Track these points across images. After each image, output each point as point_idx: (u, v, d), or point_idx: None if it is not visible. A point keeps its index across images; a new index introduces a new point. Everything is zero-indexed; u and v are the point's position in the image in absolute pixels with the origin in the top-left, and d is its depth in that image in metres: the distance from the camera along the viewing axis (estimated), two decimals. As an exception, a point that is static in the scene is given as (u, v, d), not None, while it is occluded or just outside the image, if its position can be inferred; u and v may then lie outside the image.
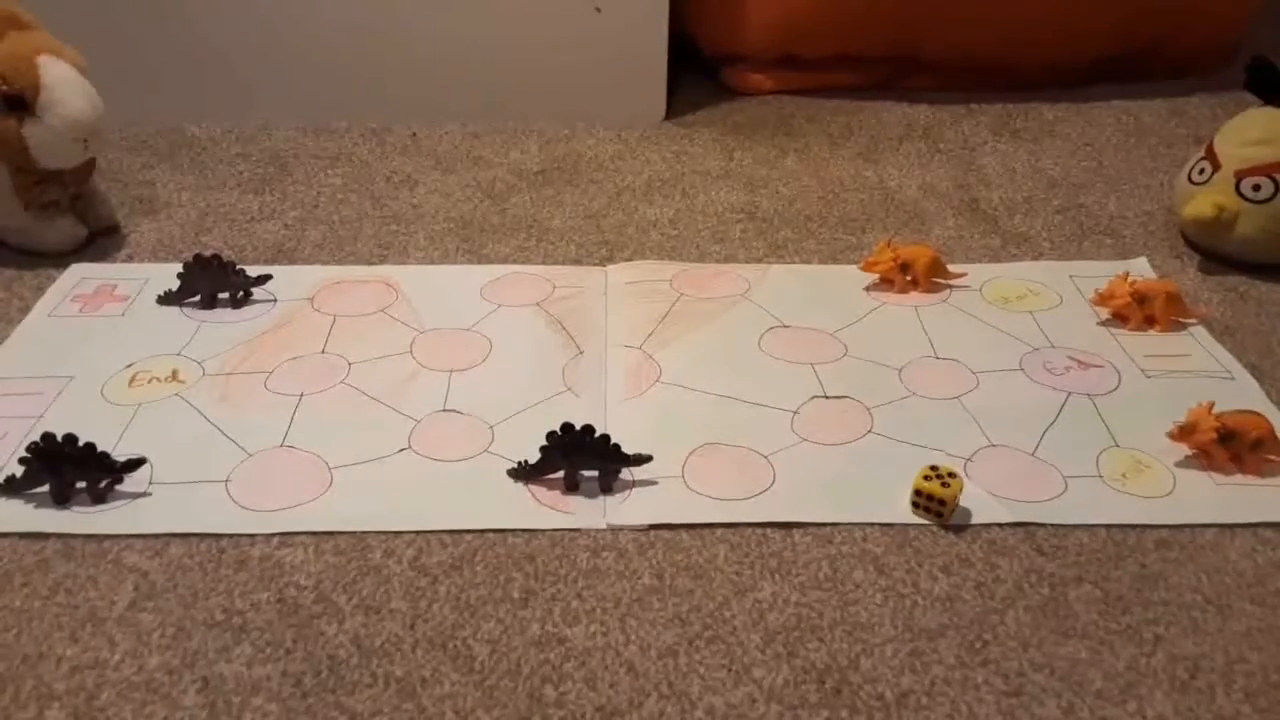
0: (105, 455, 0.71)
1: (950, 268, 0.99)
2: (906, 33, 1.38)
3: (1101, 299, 0.94)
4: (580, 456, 0.73)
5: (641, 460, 0.73)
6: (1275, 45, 1.15)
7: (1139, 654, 0.62)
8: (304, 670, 0.60)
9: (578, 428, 0.72)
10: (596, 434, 0.72)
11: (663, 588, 0.66)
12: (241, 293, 0.94)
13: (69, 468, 0.70)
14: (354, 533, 0.70)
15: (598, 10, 1.26)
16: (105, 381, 0.83)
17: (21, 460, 0.70)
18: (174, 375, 0.85)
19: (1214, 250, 1.04)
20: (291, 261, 1.02)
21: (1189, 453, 0.77)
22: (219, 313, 0.93)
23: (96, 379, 0.84)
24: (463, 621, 0.64)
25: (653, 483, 0.74)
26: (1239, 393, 0.84)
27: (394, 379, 0.85)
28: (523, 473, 0.74)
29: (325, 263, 1.02)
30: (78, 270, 0.99)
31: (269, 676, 0.60)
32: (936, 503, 0.71)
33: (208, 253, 0.93)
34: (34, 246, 1.01)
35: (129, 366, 0.85)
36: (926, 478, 0.71)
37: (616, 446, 0.72)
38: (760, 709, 0.58)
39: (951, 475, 0.71)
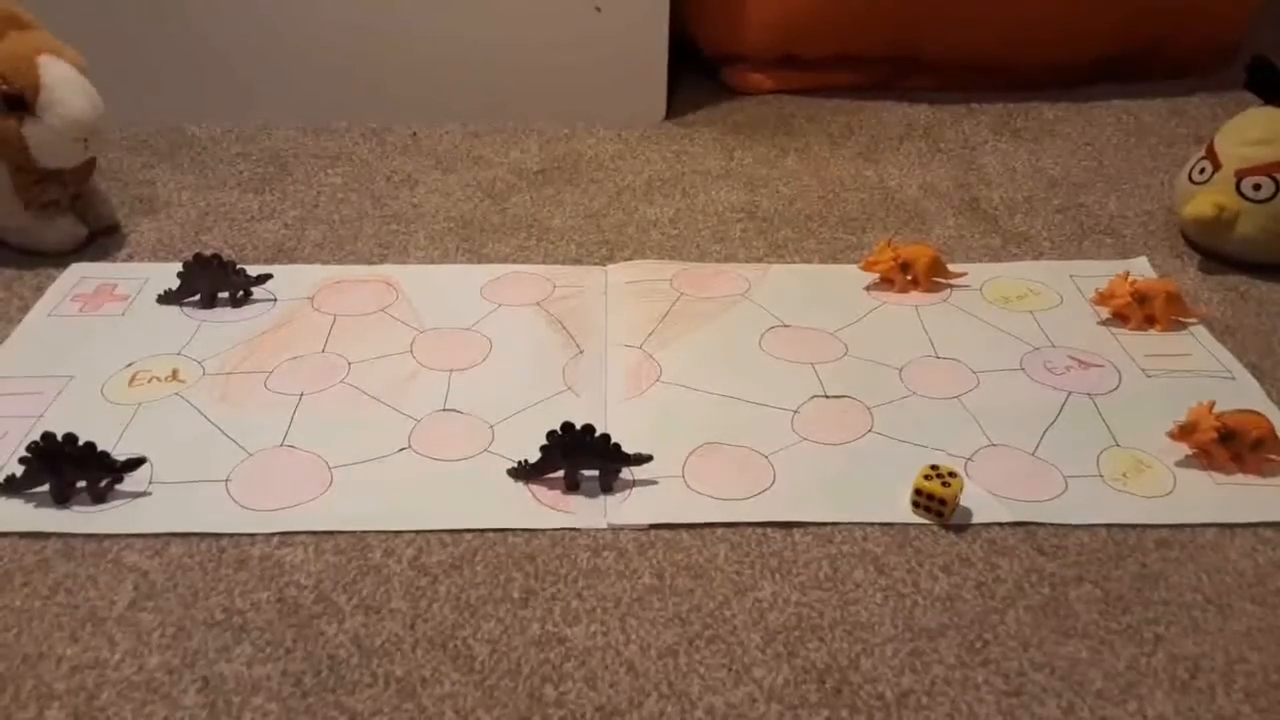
0: (105, 455, 0.71)
1: (950, 267, 0.99)
2: (906, 33, 1.38)
3: (1102, 298, 0.94)
4: (580, 456, 0.73)
5: (642, 460, 0.73)
6: (1275, 45, 1.15)
7: (1139, 654, 0.62)
8: (304, 670, 0.60)
9: (578, 427, 0.72)
10: (597, 433, 0.72)
11: (663, 587, 0.66)
12: (241, 292, 0.94)
13: (69, 467, 0.70)
14: (354, 532, 0.70)
15: (598, 10, 1.26)
16: (105, 381, 0.83)
17: (21, 460, 0.70)
18: (174, 375, 0.85)
19: (1214, 250, 1.04)
20: (291, 261, 1.02)
21: (1189, 452, 0.77)
22: (219, 312, 0.93)
23: (96, 378, 0.84)
24: (463, 621, 0.63)
25: (653, 482, 0.74)
26: (1239, 392, 0.84)
27: (394, 378, 0.85)
28: (523, 472, 0.74)
29: (325, 262, 1.02)
30: (78, 270, 0.99)
31: (269, 676, 0.60)
32: (937, 502, 0.71)
33: (208, 252, 0.93)
34: (34, 246, 1.01)
35: (129, 366, 0.85)
36: (927, 477, 0.71)
37: (617, 446, 0.72)
38: (760, 709, 0.58)
39: (952, 475, 0.71)
